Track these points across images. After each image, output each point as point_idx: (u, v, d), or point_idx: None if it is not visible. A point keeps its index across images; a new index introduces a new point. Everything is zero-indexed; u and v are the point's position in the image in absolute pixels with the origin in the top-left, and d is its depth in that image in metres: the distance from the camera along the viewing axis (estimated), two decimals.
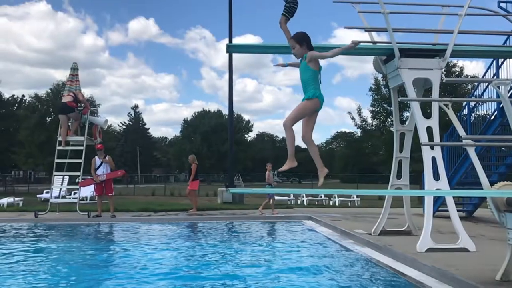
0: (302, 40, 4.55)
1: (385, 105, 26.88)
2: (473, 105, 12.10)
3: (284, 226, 11.24)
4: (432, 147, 7.29)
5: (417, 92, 8.22)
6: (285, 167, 4.61)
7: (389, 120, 26.53)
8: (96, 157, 12.77)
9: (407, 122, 9.08)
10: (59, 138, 13.28)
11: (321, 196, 20.22)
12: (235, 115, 57.18)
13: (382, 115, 27.61)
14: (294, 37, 4.62)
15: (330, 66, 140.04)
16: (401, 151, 8.72)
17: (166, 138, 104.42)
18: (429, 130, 7.38)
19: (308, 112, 4.55)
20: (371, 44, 8.53)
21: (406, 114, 22.40)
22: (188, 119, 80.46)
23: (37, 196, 20.76)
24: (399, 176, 8.73)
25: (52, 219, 11.88)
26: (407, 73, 7.63)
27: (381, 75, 24.18)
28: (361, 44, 8.67)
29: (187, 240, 9.13)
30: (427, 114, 7.66)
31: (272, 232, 10.23)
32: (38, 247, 8.26)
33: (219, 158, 68.65)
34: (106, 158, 12.77)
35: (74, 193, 17.15)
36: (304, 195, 19.93)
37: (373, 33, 8.73)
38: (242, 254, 7.52)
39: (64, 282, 5.56)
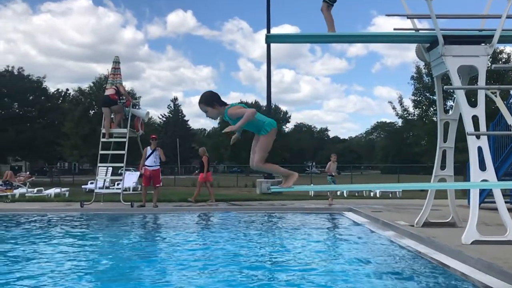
0: (211, 101, 4.32)
1: (427, 94, 26.19)
2: None
3: (325, 217, 11.19)
4: (478, 137, 7.06)
5: (462, 80, 7.97)
6: (289, 183, 4.49)
7: (432, 109, 25.84)
8: (148, 147, 13.07)
9: (450, 112, 8.83)
10: (103, 130, 13.64)
11: None
12: (273, 106, 57.10)
13: (424, 104, 26.91)
14: (202, 102, 4.35)
15: (369, 55, 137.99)
16: (445, 141, 8.49)
17: (204, 129, 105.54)
18: (474, 119, 7.16)
19: (271, 145, 4.38)
20: (413, 31, 8.32)
21: (449, 103, 21.79)
22: None
23: (82, 187, 21.44)
24: (443, 166, 8.51)
25: (97, 209, 12.26)
26: (452, 60, 7.39)
27: (423, 64, 23.57)
28: (403, 31, 8.53)
29: (229, 230, 9.23)
30: (471, 103, 7.42)
31: (312, 223, 10.20)
32: (85, 235, 8.56)
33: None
34: (159, 149, 13.07)
35: (118, 184, 17.63)
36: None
37: (415, 20, 8.51)
38: (284, 245, 7.54)
39: (109, 269, 5.74)
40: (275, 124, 4.38)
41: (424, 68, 25.26)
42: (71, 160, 58.00)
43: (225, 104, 4.36)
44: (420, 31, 8.48)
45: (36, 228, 9.35)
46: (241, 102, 4.53)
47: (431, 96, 25.44)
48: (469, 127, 6.98)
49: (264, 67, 22.03)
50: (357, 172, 68.69)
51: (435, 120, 24.73)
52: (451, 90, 11.57)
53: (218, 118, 4.49)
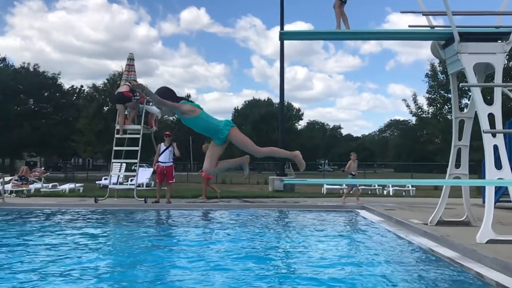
0: (165, 97, 4.27)
1: (442, 92, 25.93)
2: None
3: (338, 215, 11.15)
4: (494, 135, 6.99)
5: (478, 77, 7.90)
6: (247, 168, 4.59)
7: (446, 107, 25.58)
8: (162, 143, 13.15)
9: (465, 110, 8.75)
10: (117, 127, 13.75)
11: (374, 186, 19.87)
12: (286, 103, 57.06)
13: (438, 102, 26.64)
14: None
15: (383, 52, 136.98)
16: (460, 139, 8.42)
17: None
18: (490, 117, 7.08)
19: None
20: (429, 28, 8.26)
21: (464, 101, 21.56)
22: (239, 108, 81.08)
23: (96, 182, 21.64)
24: (457, 165, 8.45)
25: (111, 205, 12.37)
26: (468, 58, 7.33)
27: (438, 61, 23.35)
28: (419, 28, 8.47)
29: (242, 226, 9.26)
30: (487, 101, 7.35)
31: (325, 220, 10.18)
32: (99, 230, 8.65)
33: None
34: (174, 144, 13.14)
35: (131, 180, 17.77)
36: (357, 185, 19.58)
37: (430, 17, 8.44)
38: (297, 243, 7.54)
39: (122, 263, 5.80)
40: (232, 124, 4.37)
41: (439, 66, 25.01)
42: (85, 156, 58.58)
43: (181, 99, 4.35)
44: (435, 28, 8.41)
45: (52, 222, 9.48)
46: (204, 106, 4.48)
47: (446, 94, 25.18)
48: (485, 125, 6.92)
49: (277, 64, 22.05)
50: (370, 170, 68.36)
51: (450, 118, 24.47)
52: (467, 88, 11.46)
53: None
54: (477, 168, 17.19)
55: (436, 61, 24.36)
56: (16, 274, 5.01)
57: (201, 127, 4.32)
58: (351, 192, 14.05)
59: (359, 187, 13.76)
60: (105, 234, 8.30)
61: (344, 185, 13.73)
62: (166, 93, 4.31)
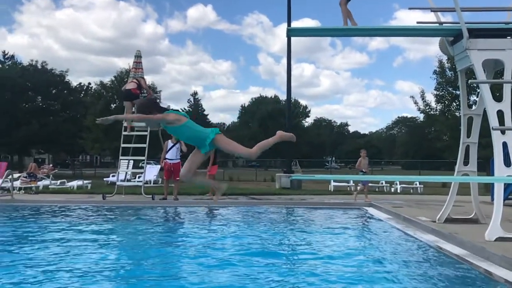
0: (149, 109, 4.25)
1: (450, 89, 25.80)
2: None
3: (345, 212, 11.13)
4: (503, 132, 6.94)
5: (487, 74, 7.83)
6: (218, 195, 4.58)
7: (455, 104, 25.45)
8: (169, 140, 13.17)
9: (474, 107, 8.69)
10: (125, 124, 13.79)
11: (382, 183, 19.80)
12: (292, 100, 56.99)
13: (447, 99, 26.51)
14: (138, 109, 4.31)
15: (390, 49, 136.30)
16: (468, 136, 8.37)
17: (224, 124, 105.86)
18: (499, 114, 7.03)
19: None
20: (437, 24, 8.21)
21: (473, 98, 21.43)
22: (246, 105, 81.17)
23: (104, 179, 21.73)
24: (466, 162, 8.40)
25: (119, 201, 12.43)
26: (477, 54, 7.28)
27: (446, 58, 23.19)
28: (427, 25, 8.42)
29: (249, 223, 9.27)
30: (496, 97, 7.29)
31: (332, 217, 10.17)
32: (107, 227, 8.71)
33: (276, 144, 68.47)
34: (182, 143, 13.15)
35: (139, 177, 17.84)
36: (361, 183, 19.52)
37: (439, 13, 8.39)
38: (304, 240, 7.54)
39: (130, 260, 5.83)
40: (217, 131, 4.35)
41: (447, 63, 24.87)
42: (93, 153, 58.83)
43: (164, 110, 4.31)
44: (444, 24, 8.36)
45: (61, 219, 9.54)
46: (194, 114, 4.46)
47: (454, 91, 25.05)
48: (494, 121, 6.87)
49: (284, 61, 22.00)
50: (378, 168, 68.15)
51: (458, 115, 24.35)
52: (475, 85, 11.39)
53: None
54: (485, 166, 17.08)
55: (444, 58, 24.23)
56: (26, 269, 5.05)
57: (187, 135, 4.33)
58: (360, 189, 13.96)
59: (363, 185, 13.66)
60: (113, 231, 8.34)
61: (354, 182, 13.63)
62: (149, 105, 4.30)
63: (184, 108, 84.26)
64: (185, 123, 4.26)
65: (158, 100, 14.78)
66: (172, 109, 4.38)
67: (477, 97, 11.67)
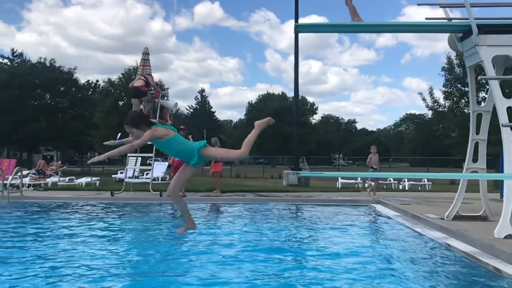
0: (137, 122, 4.18)
1: (458, 85, 25.62)
2: None
3: (353, 209, 11.10)
4: None
5: (497, 70, 7.78)
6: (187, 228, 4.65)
7: (463, 101, 25.27)
8: None
9: (483, 103, 8.64)
10: None
11: (390, 180, 19.74)
12: (300, 97, 56.79)
13: (455, 95, 26.32)
14: (127, 122, 4.21)
15: (398, 46, 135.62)
16: (477, 133, 8.31)
17: (231, 121, 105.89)
18: (509, 110, 6.98)
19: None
20: (446, 20, 8.15)
21: (482, 94, 21.26)
22: (253, 102, 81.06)
23: (112, 176, 21.85)
24: (475, 159, 8.35)
25: (127, 198, 12.48)
26: (486, 50, 7.22)
27: (455, 54, 23.06)
28: (436, 21, 8.36)
29: (257, 220, 9.28)
30: (506, 94, 7.24)
31: (340, 215, 10.14)
32: (115, 223, 8.75)
33: (283, 141, 68.76)
34: (189, 137, 13.19)
35: (147, 174, 17.90)
36: (370, 179, 19.45)
37: (447, 9, 8.33)
38: (313, 237, 7.54)
39: (137, 256, 5.86)
40: (204, 144, 4.26)
41: (456, 59, 24.70)
42: (101, 150, 59.03)
43: (152, 124, 4.25)
44: (453, 20, 8.29)
45: (70, 215, 9.61)
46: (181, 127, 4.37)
47: (463, 88, 24.88)
48: (503, 118, 6.82)
49: (291, 58, 22.03)
50: (385, 165, 67.90)
51: (466, 112, 24.19)
52: (484, 81, 11.30)
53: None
54: (494, 163, 16.97)
55: (453, 54, 24.08)
56: (35, 265, 5.10)
57: (175, 149, 4.26)
58: (374, 186, 13.88)
59: (372, 181, 13.60)
60: (121, 227, 8.38)
61: (370, 179, 13.57)
62: (138, 118, 4.25)
63: (191, 105, 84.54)
64: (173, 137, 4.18)
65: (165, 98, 14.82)
66: (159, 123, 4.32)
67: (486, 93, 11.57)
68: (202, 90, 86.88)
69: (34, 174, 16.52)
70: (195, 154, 4.15)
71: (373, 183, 13.88)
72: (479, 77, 6.14)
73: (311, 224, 8.81)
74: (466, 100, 24.29)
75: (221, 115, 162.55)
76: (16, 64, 42.78)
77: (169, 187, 4.43)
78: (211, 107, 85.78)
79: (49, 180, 16.67)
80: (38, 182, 15.83)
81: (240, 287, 4.40)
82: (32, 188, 15.18)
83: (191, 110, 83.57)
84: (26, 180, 15.39)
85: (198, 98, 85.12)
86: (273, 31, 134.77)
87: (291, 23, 23.75)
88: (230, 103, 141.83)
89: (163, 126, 4.29)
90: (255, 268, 5.12)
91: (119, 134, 9.59)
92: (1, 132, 36.76)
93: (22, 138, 38.86)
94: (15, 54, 43.98)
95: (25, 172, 15.75)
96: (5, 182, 12.57)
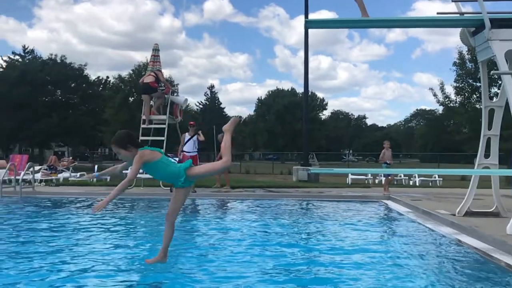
0: (125, 143, 4.04)
1: (470, 81, 25.42)
2: None
3: (364, 205, 11.07)
4: None
5: (510, 65, 7.68)
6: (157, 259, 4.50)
7: (475, 96, 25.08)
8: (186, 133, 13.26)
9: (495, 99, 8.55)
10: (143, 117, 13.90)
11: (400, 176, 19.64)
12: (309, 93, 56.62)
13: (466, 91, 26.13)
14: (114, 142, 4.09)
15: (409, 41, 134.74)
16: (489, 128, 8.24)
17: (240, 117, 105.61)
18: None
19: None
20: (458, 15, 8.07)
21: (494, 89, 21.06)
22: (262, 98, 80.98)
23: (123, 171, 21.94)
24: (487, 155, 8.27)
25: (138, 193, 12.56)
26: (499, 45, 7.14)
27: (466, 49, 22.86)
28: (447, 15, 8.27)
29: (267, 215, 9.28)
30: None
31: (351, 211, 10.11)
32: (126, 218, 8.80)
33: (293, 137, 68.69)
34: (199, 132, 13.27)
35: None
36: (382, 175, 19.34)
37: (459, 3, 8.24)
38: (323, 233, 7.53)
39: (148, 252, 5.89)
40: (189, 165, 4.17)
41: (467, 54, 24.50)
42: (111, 146, 59.48)
43: (139, 145, 4.09)
44: (465, 14, 8.21)
45: (81, 210, 9.70)
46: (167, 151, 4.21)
47: (474, 83, 24.70)
48: None
49: (300, 53, 22.03)
50: (395, 161, 67.54)
51: (478, 107, 23.99)
52: (496, 76, 11.18)
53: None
54: (506, 159, 16.81)
55: (465, 49, 23.92)
56: (48, 259, 5.15)
57: (162, 173, 4.11)
58: (389, 180, 13.82)
59: (384, 177, 13.56)
60: (131, 222, 8.43)
61: (383, 175, 13.54)
62: (126, 138, 4.10)
63: (201, 101, 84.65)
64: (160, 159, 4.06)
65: (175, 94, 14.87)
66: (147, 146, 4.13)
67: (498, 88, 11.45)
68: (212, 86, 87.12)
69: (46, 169, 16.67)
70: (182, 175, 4.05)
71: (383, 179, 13.79)
72: (491, 72, 6.08)
73: (322, 220, 8.80)
74: (478, 95, 24.10)
75: (231, 111, 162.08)
76: (27, 61, 43.14)
77: (167, 213, 4.33)
78: (221, 103, 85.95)
79: (61, 176, 16.81)
80: (49, 178, 15.98)
81: (250, 282, 4.41)
82: (44, 184, 15.32)
83: (201, 106, 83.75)
84: (38, 176, 15.53)
85: (207, 94, 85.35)
86: (282, 26, 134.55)
87: (301, 18, 23.69)
88: (239, 99, 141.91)
89: (149, 148, 4.14)
90: (265, 263, 5.13)
91: (96, 167, 9.63)
92: (13, 128, 37.12)
93: (33, 134, 39.22)
94: (26, 51, 44.35)
95: (37, 168, 15.89)
96: (17, 177, 12.71)
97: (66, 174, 17.31)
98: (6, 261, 5.07)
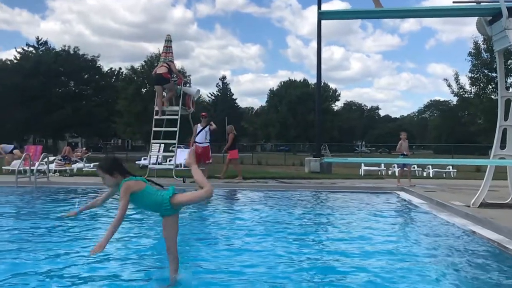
0: (112, 169, 3.85)
1: (485, 71, 25.05)
2: None
3: (377, 196, 11.01)
4: None
5: None
6: None
7: (490, 87, 24.74)
8: (198, 124, 13.29)
9: (511, 89, 8.41)
10: (156, 108, 13.94)
11: (414, 167, 19.49)
12: (322, 84, 56.18)
13: (482, 81, 25.77)
14: (101, 168, 3.90)
15: (422, 31, 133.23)
16: (506, 119, 8.12)
17: (252, 108, 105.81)
18: None
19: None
20: (474, 3, 7.93)
21: (510, 80, 20.77)
22: (274, 89, 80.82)
23: (136, 162, 22.09)
24: (502, 146, 8.16)
25: None
26: None
27: (482, 39, 22.52)
28: (464, 4, 8.14)
29: (281, 206, 9.28)
30: None
31: (365, 202, 10.06)
32: (139, 209, 8.84)
33: (305, 128, 68.55)
34: (211, 122, 13.32)
35: (170, 160, 18.07)
36: (396, 165, 19.17)
37: None
38: (337, 223, 7.52)
39: (161, 242, 5.92)
40: (173, 192, 3.95)
41: (483, 44, 24.13)
42: (124, 137, 59.89)
43: (126, 173, 3.89)
44: (481, 3, 8.07)
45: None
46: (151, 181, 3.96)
47: (490, 73, 24.33)
48: None
49: (313, 44, 21.90)
50: (409, 152, 67.04)
51: (493, 98, 23.67)
52: None
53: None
54: None
55: (480, 39, 23.57)
56: (60, 248, 5.22)
57: (147, 202, 3.93)
58: (407, 172, 13.74)
59: (398, 168, 13.47)
60: (144, 213, 8.47)
61: (402, 165, 13.50)
62: (113, 165, 3.91)
63: (213, 93, 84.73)
64: (145, 189, 3.86)
65: (188, 85, 14.87)
66: (131, 177, 3.86)
67: None
68: (224, 77, 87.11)
69: (60, 160, 16.85)
70: (167, 203, 3.90)
71: (398, 170, 13.68)
72: (509, 61, 5.99)
73: (335, 211, 8.77)
74: (493, 86, 23.78)
75: (242, 102, 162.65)
76: (41, 52, 43.48)
77: (167, 247, 4.10)
78: (233, 94, 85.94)
79: (75, 166, 16.97)
80: (63, 168, 16.14)
81: (262, 272, 4.42)
82: (58, 174, 15.47)
83: (213, 97, 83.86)
84: (52, 166, 15.69)
85: (219, 85, 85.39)
86: (294, 17, 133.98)
87: (313, 8, 23.50)
88: (251, 90, 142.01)
89: (133, 178, 3.90)
90: (278, 253, 5.13)
91: (77, 202, 9.56)
92: (27, 118, 37.52)
93: (47, 125, 39.61)
94: (40, 43, 44.68)
95: (51, 158, 16.06)
96: (32, 168, 12.86)
97: (80, 165, 17.46)
98: (22, 250, 5.14)
